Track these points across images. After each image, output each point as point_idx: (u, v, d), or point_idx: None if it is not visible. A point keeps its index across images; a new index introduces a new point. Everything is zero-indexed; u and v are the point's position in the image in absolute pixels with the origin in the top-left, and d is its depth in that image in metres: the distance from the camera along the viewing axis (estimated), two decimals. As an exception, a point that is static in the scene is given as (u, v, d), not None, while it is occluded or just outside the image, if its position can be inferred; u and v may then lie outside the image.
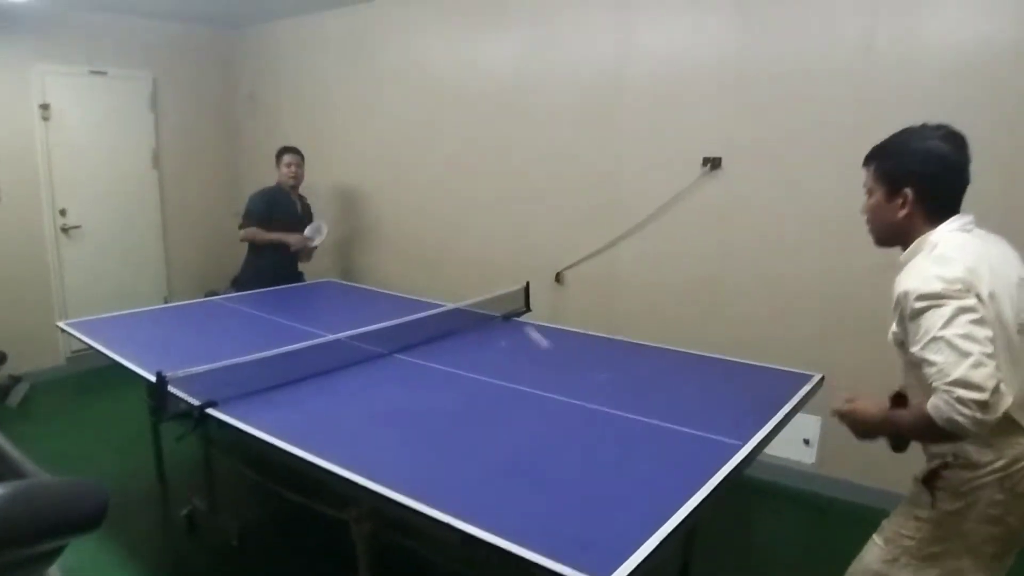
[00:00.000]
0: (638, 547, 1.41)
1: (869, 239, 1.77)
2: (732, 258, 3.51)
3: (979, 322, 1.40)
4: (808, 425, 3.29)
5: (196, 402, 2.20)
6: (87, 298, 4.93)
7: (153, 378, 2.24)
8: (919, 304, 1.45)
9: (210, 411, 2.18)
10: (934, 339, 1.41)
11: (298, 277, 4.54)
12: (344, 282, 4.49)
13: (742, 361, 2.79)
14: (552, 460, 1.91)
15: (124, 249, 5.33)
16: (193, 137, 5.64)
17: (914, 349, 1.46)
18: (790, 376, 2.53)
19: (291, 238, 4.38)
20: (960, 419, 1.34)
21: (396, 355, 2.80)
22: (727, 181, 3.49)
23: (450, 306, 3.37)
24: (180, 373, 2.24)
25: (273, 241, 4.34)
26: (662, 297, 3.76)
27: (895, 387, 1.75)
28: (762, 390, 2.42)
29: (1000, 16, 2.77)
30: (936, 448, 1.62)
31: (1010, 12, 2.75)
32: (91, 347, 2.95)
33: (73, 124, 4.96)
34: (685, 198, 3.62)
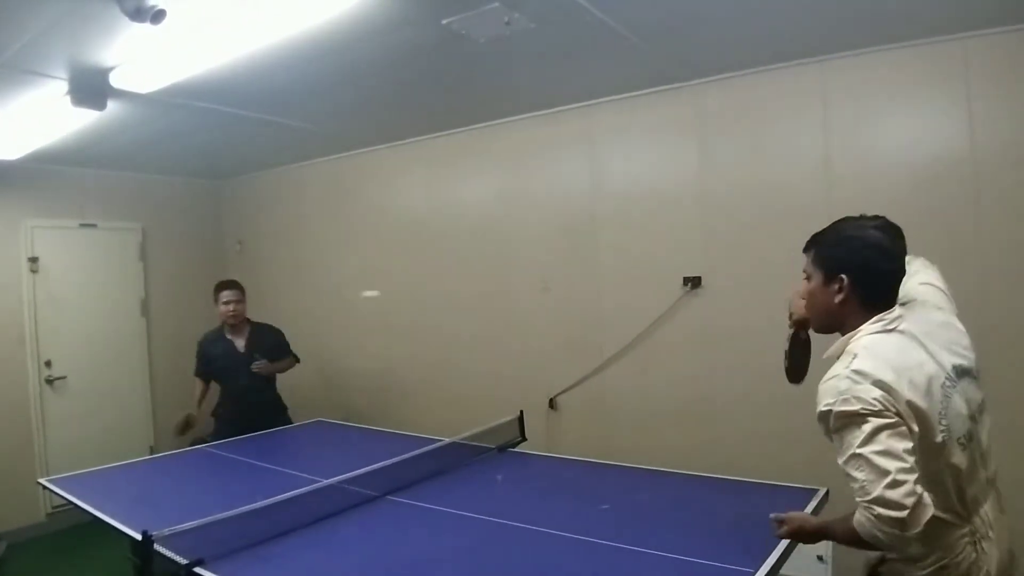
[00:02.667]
0: None
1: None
2: (720, 376, 3.53)
3: (898, 435, 1.43)
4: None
5: (183, 560, 2.10)
6: (71, 450, 4.77)
7: (138, 536, 2.14)
8: (838, 422, 1.49)
9: (198, 571, 2.08)
10: (853, 456, 1.43)
11: (272, 409, 4.33)
12: (332, 421, 4.41)
13: (742, 480, 2.73)
14: (559, 603, 1.82)
15: (110, 398, 5.24)
16: (182, 284, 5.70)
17: (840, 462, 1.48)
18: (794, 492, 2.48)
19: (193, 413, 4.20)
20: (881, 535, 1.38)
21: (389, 497, 2.72)
22: (708, 298, 3.57)
23: (444, 441, 3.31)
24: (166, 531, 2.15)
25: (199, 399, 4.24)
26: (655, 418, 3.74)
27: None
28: (767, 509, 2.35)
29: (941, 131, 3.01)
30: None
31: (951, 131, 2.98)
32: (73, 504, 2.84)
33: (61, 276, 5.02)
34: (669, 318, 3.68)
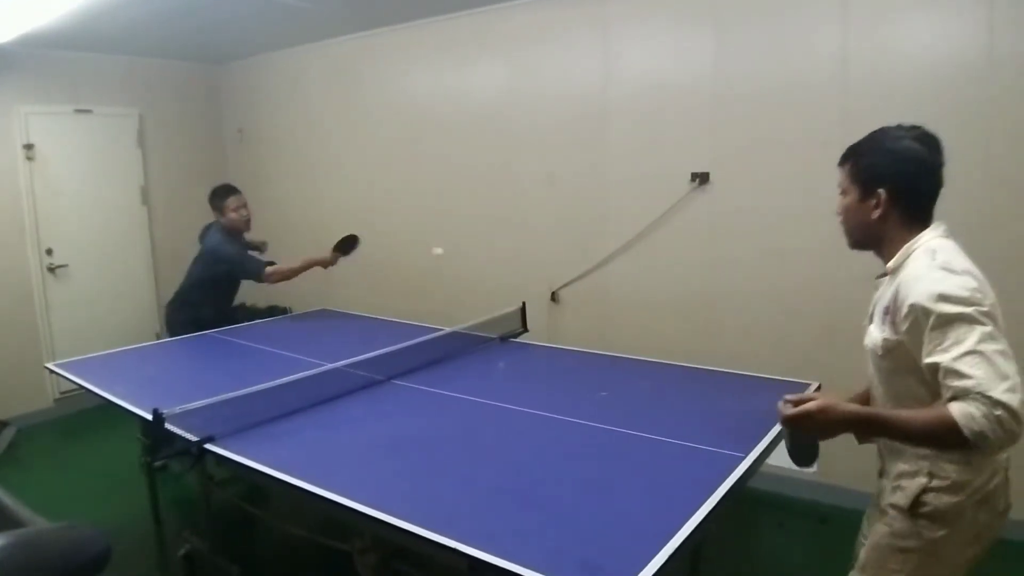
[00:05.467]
0: (646, 565, 1.40)
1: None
2: (724, 271, 3.54)
3: (1002, 340, 1.38)
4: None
5: (194, 438, 2.18)
6: (76, 338, 4.87)
7: (149, 416, 2.21)
8: (950, 310, 1.39)
9: (209, 447, 2.15)
10: (971, 352, 1.35)
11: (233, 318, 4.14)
12: (337, 310, 4.46)
13: (739, 372, 2.79)
14: (556, 481, 1.89)
15: (113, 287, 5.29)
16: (182, 172, 5.62)
17: (939, 358, 1.39)
18: (787, 386, 2.52)
19: (320, 259, 4.03)
20: (993, 437, 1.30)
21: (394, 381, 2.79)
22: (716, 195, 3.52)
23: (447, 330, 3.36)
24: (177, 409, 2.22)
25: (307, 267, 3.99)
26: (657, 312, 3.77)
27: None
28: (760, 401, 2.41)
29: (962, 31, 2.88)
30: (907, 465, 1.57)
31: (972, 28, 2.85)
32: (81, 387, 2.90)
33: (59, 163, 4.94)
34: (675, 213, 3.64)
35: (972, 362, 1.34)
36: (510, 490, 1.84)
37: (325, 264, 4.06)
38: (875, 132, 1.65)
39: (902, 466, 1.59)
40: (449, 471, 1.99)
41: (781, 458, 2.87)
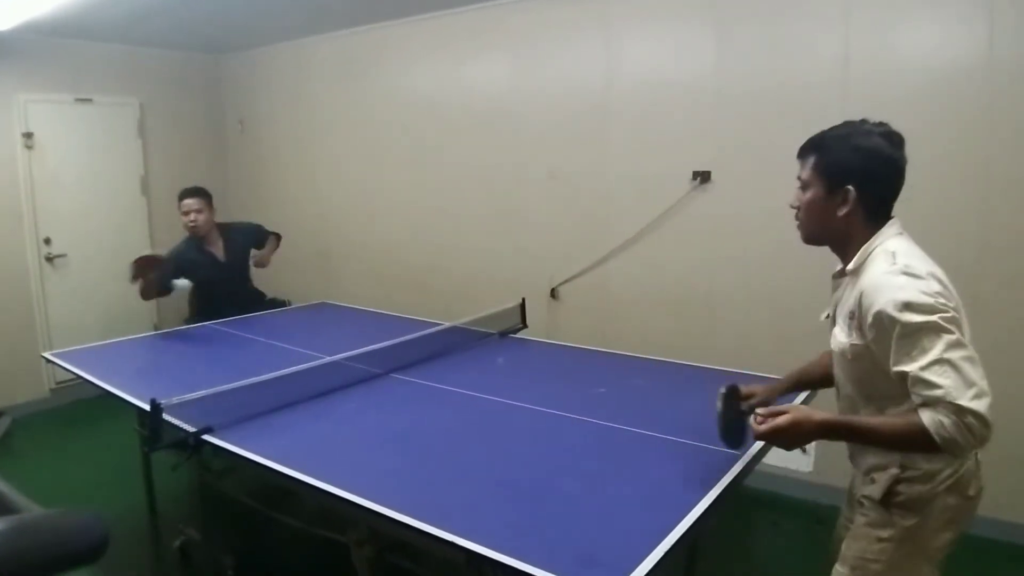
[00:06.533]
0: (642, 561, 1.41)
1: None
2: (724, 270, 3.54)
3: (968, 346, 1.39)
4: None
5: (191, 429, 2.17)
6: (73, 328, 4.85)
7: (146, 406, 2.20)
8: (915, 319, 1.38)
9: (206, 438, 2.15)
10: (938, 361, 1.36)
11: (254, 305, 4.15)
12: (337, 303, 4.46)
13: (737, 371, 2.79)
14: (553, 475, 1.89)
15: (112, 277, 5.22)
16: (182, 163, 5.59)
17: (907, 367, 1.40)
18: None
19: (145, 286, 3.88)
20: (964, 443, 1.34)
21: (393, 375, 2.79)
22: (717, 194, 3.52)
23: (446, 325, 3.36)
24: (174, 400, 2.21)
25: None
26: (656, 310, 3.77)
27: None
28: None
29: (963, 36, 2.89)
30: (877, 459, 1.59)
31: (973, 32, 2.86)
32: (77, 377, 2.90)
33: (58, 152, 4.92)
34: (676, 212, 3.64)
35: (939, 371, 1.36)
36: (508, 484, 1.84)
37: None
38: (841, 126, 1.62)
39: (872, 460, 1.61)
40: (447, 465, 1.99)
41: (777, 457, 2.88)
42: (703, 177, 3.54)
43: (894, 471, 1.55)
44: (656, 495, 1.76)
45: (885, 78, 3.02)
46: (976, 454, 1.56)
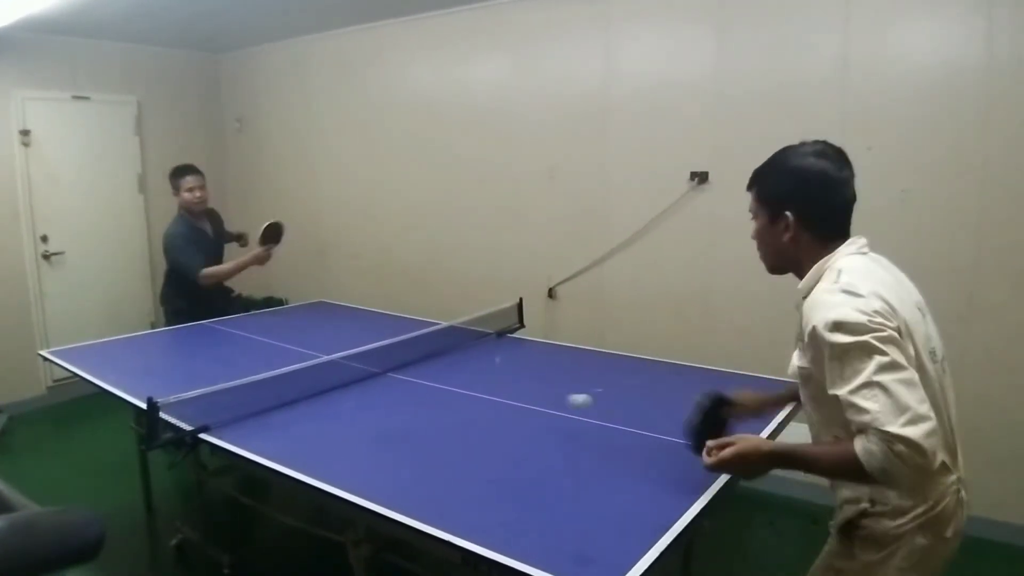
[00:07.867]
0: (638, 560, 1.41)
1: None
2: (721, 270, 3.54)
3: (905, 367, 1.29)
4: (800, 434, 3.28)
5: (188, 427, 2.17)
6: (70, 326, 4.85)
7: (143, 404, 2.20)
8: (844, 340, 1.31)
9: (203, 436, 2.15)
10: (867, 384, 1.27)
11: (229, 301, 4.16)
12: (334, 302, 4.46)
13: (735, 371, 2.79)
14: (550, 475, 1.90)
15: (109, 275, 5.27)
16: (180, 161, 5.55)
17: (838, 391, 1.32)
18: (780, 386, 2.53)
19: (251, 258, 3.91)
20: (895, 472, 1.24)
21: (390, 374, 2.79)
22: (714, 194, 3.53)
23: (444, 324, 3.37)
24: (172, 399, 2.21)
25: (241, 268, 3.91)
26: (653, 310, 3.78)
27: None
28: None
29: (961, 37, 2.89)
30: (850, 492, 1.53)
31: (971, 33, 2.87)
32: (74, 375, 2.89)
33: (55, 150, 4.91)
34: (674, 212, 3.65)
35: (868, 395, 1.27)
36: (504, 483, 1.84)
37: (261, 261, 3.94)
38: (777, 153, 1.60)
39: (846, 492, 1.55)
40: (444, 464, 1.99)
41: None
42: (701, 177, 3.54)
43: (864, 505, 1.49)
44: (652, 495, 1.77)
45: (884, 78, 3.02)
46: (959, 491, 1.48)
